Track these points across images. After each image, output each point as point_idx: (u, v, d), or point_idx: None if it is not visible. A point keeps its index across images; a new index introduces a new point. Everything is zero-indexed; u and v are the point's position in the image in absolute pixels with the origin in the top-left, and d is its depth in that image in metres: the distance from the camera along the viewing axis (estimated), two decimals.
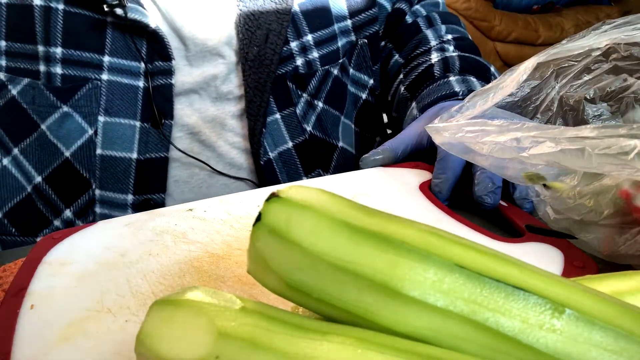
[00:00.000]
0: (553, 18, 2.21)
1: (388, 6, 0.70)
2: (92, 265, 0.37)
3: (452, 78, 0.61)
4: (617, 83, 0.49)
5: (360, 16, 0.67)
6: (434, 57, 0.66)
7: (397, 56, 0.71)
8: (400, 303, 0.21)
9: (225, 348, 0.21)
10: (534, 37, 2.13)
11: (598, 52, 0.48)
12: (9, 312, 0.32)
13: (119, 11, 0.53)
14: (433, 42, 0.69)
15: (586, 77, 0.49)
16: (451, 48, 0.68)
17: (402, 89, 0.68)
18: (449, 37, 0.69)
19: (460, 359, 0.20)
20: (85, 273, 0.36)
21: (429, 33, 0.70)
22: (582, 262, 0.37)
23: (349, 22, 0.66)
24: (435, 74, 0.64)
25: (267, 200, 0.25)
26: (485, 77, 0.63)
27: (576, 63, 0.49)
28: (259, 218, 0.24)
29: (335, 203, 0.25)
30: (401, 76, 0.69)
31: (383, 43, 0.72)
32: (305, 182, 0.52)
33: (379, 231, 0.23)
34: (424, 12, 0.71)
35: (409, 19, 0.71)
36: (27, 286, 0.34)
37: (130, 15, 0.53)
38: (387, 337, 0.21)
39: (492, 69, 0.65)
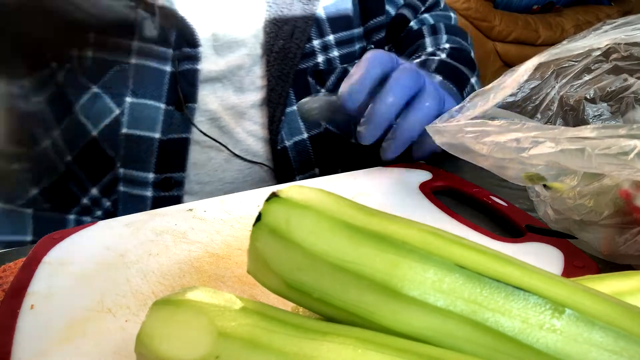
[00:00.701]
0: (553, 18, 2.20)
1: (393, 12, 0.72)
2: (92, 265, 0.37)
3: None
4: (617, 83, 0.49)
5: (371, 22, 0.69)
6: (422, 59, 0.67)
7: None
8: (400, 303, 0.21)
9: (225, 348, 0.21)
10: (534, 37, 2.13)
11: (598, 52, 0.48)
12: (9, 312, 0.32)
13: None
14: (429, 49, 0.70)
15: (586, 77, 0.49)
16: (443, 55, 0.68)
17: None
18: (447, 46, 0.70)
19: (460, 359, 0.20)
20: (85, 273, 0.36)
21: (428, 40, 0.71)
22: (582, 262, 0.37)
23: (361, 29, 0.70)
24: None
25: (267, 200, 0.25)
26: (461, 84, 0.63)
27: (576, 63, 0.49)
28: (259, 218, 0.24)
29: (335, 203, 0.25)
30: None
31: (387, 48, 0.74)
32: (306, 182, 0.52)
33: (379, 231, 0.23)
34: (431, 21, 0.73)
35: (414, 25, 0.72)
36: (27, 286, 0.34)
37: (160, 2, 0.56)
38: (387, 337, 0.21)
39: (473, 80, 0.66)
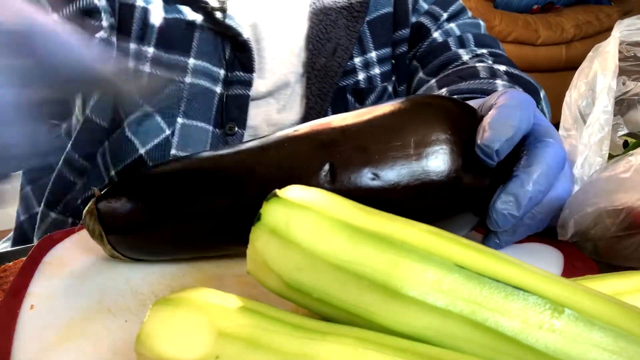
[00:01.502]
0: (553, 18, 2.20)
1: (413, 20, 0.67)
2: (92, 265, 0.37)
3: (499, 82, 0.53)
4: (617, 86, 0.48)
5: (396, 35, 0.66)
6: (477, 65, 0.59)
7: (421, 73, 0.66)
8: (400, 303, 0.21)
9: (226, 348, 0.21)
10: (534, 37, 2.13)
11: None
12: (9, 312, 0.32)
13: (218, 15, 0.54)
14: (466, 57, 0.62)
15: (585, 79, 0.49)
16: (490, 61, 0.61)
17: (434, 82, 0.61)
18: (484, 50, 0.63)
19: (460, 358, 0.20)
20: (85, 273, 0.36)
21: (459, 51, 0.64)
22: (582, 262, 0.37)
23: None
24: (482, 75, 0.56)
25: (267, 200, 0.25)
26: (534, 100, 0.55)
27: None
28: (258, 218, 0.24)
29: (335, 203, 0.25)
30: (433, 81, 0.62)
31: (408, 62, 0.68)
32: None
33: (379, 231, 0.23)
34: (457, 32, 0.66)
35: (439, 37, 0.65)
36: (27, 286, 0.34)
37: (228, 21, 0.54)
38: (387, 337, 0.21)
39: (542, 93, 0.58)
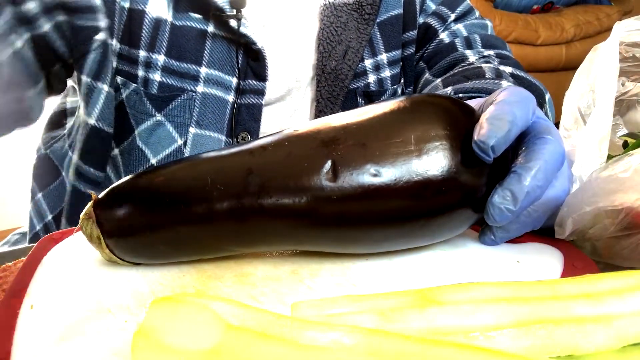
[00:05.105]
0: (553, 18, 2.20)
1: (421, 21, 0.66)
2: (92, 265, 0.37)
3: (504, 82, 0.53)
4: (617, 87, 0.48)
5: (404, 36, 0.65)
6: (483, 65, 0.58)
7: (428, 74, 0.66)
8: None
9: (237, 338, 0.21)
10: (534, 37, 2.13)
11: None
12: (9, 312, 0.32)
13: (232, 23, 0.53)
14: (473, 58, 0.62)
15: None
16: (496, 62, 0.61)
17: (439, 81, 0.61)
18: (491, 52, 0.63)
19: (459, 348, 0.20)
20: (85, 273, 0.36)
21: (466, 52, 0.63)
22: (582, 262, 0.37)
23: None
24: (487, 75, 0.56)
25: None
26: (539, 103, 0.53)
27: None
28: None
29: None
30: (438, 81, 0.62)
31: (415, 62, 0.68)
32: None
33: None
34: (464, 33, 0.65)
35: (446, 38, 0.65)
36: (27, 286, 0.34)
37: (242, 29, 0.53)
38: (395, 332, 0.21)
39: (548, 96, 0.58)
